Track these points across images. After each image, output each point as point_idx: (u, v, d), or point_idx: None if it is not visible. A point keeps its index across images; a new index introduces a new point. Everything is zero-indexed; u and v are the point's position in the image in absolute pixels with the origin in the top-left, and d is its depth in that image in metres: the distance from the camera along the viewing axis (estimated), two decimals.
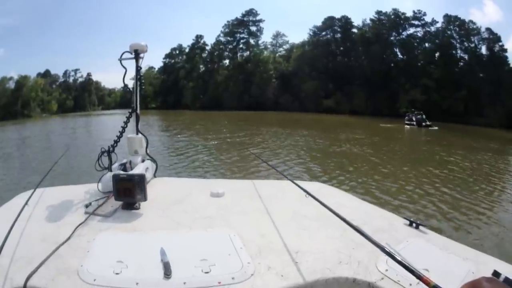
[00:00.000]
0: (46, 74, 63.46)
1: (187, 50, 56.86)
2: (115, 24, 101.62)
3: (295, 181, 1.77)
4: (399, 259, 0.86)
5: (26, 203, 1.55)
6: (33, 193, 1.75)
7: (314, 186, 1.74)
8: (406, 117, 25.71)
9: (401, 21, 38.14)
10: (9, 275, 1.08)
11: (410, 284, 0.96)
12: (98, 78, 77.08)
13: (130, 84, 2.20)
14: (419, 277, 0.78)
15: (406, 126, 24.53)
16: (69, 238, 1.31)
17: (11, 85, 56.72)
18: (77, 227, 1.40)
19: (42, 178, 1.97)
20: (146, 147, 2.18)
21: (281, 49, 51.17)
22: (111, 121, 37.64)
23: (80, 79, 69.19)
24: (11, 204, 1.72)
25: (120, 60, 2.05)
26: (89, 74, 69.63)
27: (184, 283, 1.00)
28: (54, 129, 31.49)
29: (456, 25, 34.86)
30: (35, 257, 1.16)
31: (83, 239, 1.32)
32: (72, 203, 1.75)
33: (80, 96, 66.55)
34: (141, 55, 2.08)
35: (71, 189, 2.01)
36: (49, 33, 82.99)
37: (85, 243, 1.28)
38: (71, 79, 68.38)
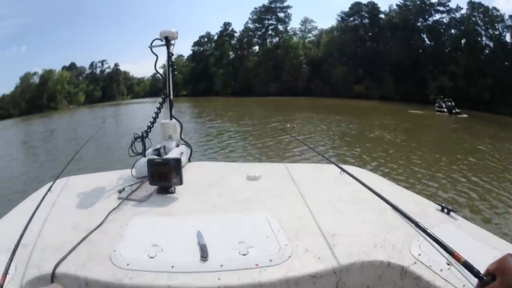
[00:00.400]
0: (71, 67, 65.60)
1: (215, 37, 58.60)
2: (139, 14, 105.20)
3: (330, 163, 1.88)
4: (437, 238, 0.94)
5: (49, 189, 1.70)
6: (55, 180, 1.84)
7: (349, 170, 1.76)
8: (437, 104, 26.45)
9: (427, 7, 39.29)
10: (37, 263, 1.12)
11: (441, 270, 1.00)
12: (125, 68, 79.20)
13: (161, 71, 2.26)
14: (451, 253, 0.87)
15: (437, 113, 25.05)
16: (101, 223, 1.37)
17: (36, 80, 58.60)
18: (110, 212, 1.47)
19: (67, 164, 2.06)
20: (181, 132, 2.29)
21: (310, 35, 53.22)
22: (142, 109, 39.43)
23: (108, 70, 70.73)
24: (39, 193, 1.74)
25: (151, 47, 2.16)
26: (116, 65, 71.34)
27: (221, 265, 1.05)
28: (83, 120, 32.55)
29: (480, 11, 35.97)
30: (64, 244, 1.21)
31: (116, 224, 1.38)
32: (104, 189, 1.81)
33: (108, 87, 68.15)
34: (172, 41, 2.17)
35: (103, 176, 2.09)
36: (72, 27, 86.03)
37: (118, 228, 1.34)
38: (98, 71, 70.04)
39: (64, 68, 63.33)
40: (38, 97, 55.74)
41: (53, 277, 1.07)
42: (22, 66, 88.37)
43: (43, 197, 1.53)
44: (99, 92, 66.95)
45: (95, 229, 1.32)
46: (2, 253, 1.09)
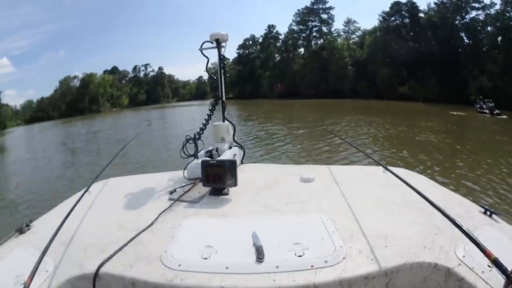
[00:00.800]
0: (113, 70, 71.58)
1: (260, 40, 63.15)
2: (182, 18, 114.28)
3: (379, 165, 1.96)
4: (479, 243, 0.95)
5: (87, 190, 1.75)
6: (94, 180, 1.93)
7: (400, 172, 1.81)
8: (478, 105, 27.30)
9: (463, 4, 41.60)
10: (79, 262, 1.19)
11: (483, 272, 1.07)
12: (170, 72, 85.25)
13: (207, 74, 2.41)
14: (483, 250, 0.91)
15: (478, 114, 26.00)
16: (151, 224, 1.45)
17: (76, 83, 64.84)
18: (161, 213, 1.55)
19: (108, 163, 2.17)
20: (233, 134, 2.44)
21: (353, 36, 56.81)
22: (188, 112, 42.89)
23: (152, 73, 76.85)
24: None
25: (201, 50, 2.32)
26: (160, 68, 77.87)
27: (277, 266, 1.10)
28: (127, 122, 34.74)
29: None
30: (110, 245, 1.28)
31: (167, 225, 1.46)
32: (154, 190, 1.92)
33: (153, 90, 74.05)
34: (223, 44, 2.33)
35: (152, 177, 2.24)
36: (112, 32, 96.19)
37: (170, 229, 1.41)
38: (141, 74, 76.19)
39: (106, 72, 69.33)
40: (79, 100, 61.56)
41: (96, 276, 1.12)
42: (60, 70, 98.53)
43: (81, 197, 1.60)
44: (143, 95, 72.51)
45: (144, 230, 1.39)
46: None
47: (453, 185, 7.94)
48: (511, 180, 8.52)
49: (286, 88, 55.09)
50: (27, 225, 1.56)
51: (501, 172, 9.23)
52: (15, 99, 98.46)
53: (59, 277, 1.13)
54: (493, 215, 1.51)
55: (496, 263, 0.88)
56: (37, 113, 61.79)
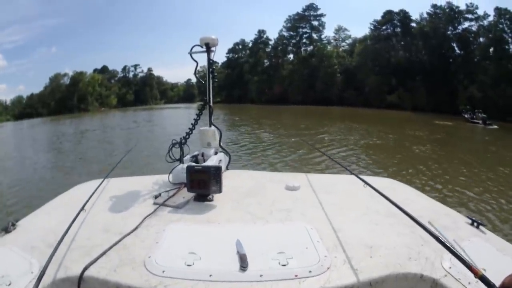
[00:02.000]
0: (103, 70, 71.58)
1: (250, 45, 63.42)
2: (173, 21, 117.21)
3: (368, 176, 1.96)
4: (463, 257, 0.96)
5: (94, 192, 1.73)
6: (101, 183, 1.94)
7: (385, 182, 1.87)
8: (467, 115, 27.93)
9: (456, 15, 41.87)
10: (64, 264, 1.18)
11: (469, 283, 1.07)
12: (159, 73, 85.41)
13: (195, 78, 2.40)
14: (469, 267, 0.91)
15: (469, 123, 26.45)
16: (136, 228, 1.44)
17: (66, 81, 64.05)
18: (146, 217, 1.54)
19: (110, 171, 2.19)
20: (220, 140, 2.43)
21: (343, 43, 57.24)
22: (176, 114, 42.57)
23: (141, 74, 77.18)
24: (71, 194, 1.87)
25: (191, 53, 2.31)
26: (149, 69, 78.22)
27: (261, 275, 1.09)
28: (115, 123, 34.28)
29: (507, 18, 37.90)
30: (95, 248, 1.27)
31: (152, 230, 1.45)
32: (139, 193, 1.91)
33: (142, 91, 74.19)
34: (212, 48, 2.32)
35: (138, 180, 2.22)
36: (104, 31, 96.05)
37: (154, 234, 1.40)
38: (130, 75, 76.32)
39: (96, 70, 69.22)
40: (68, 98, 60.89)
41: (80, 280, 1.11)
42: (51, 67, 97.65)
43: (88, 199, 1.59)
44: (132, 95, 72.51)
45: (129, 234, 1.39)
46: (26, 251, 1.17)
47: (442, 195, 7.94)
48: (495, 189, 8.60)
49: (276, 93, 54.91)
50: (13, 225, 1.54)
51: (490, 183, 9.28)
52: (5, 94, 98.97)
53: (44, 279, 1.08)
54: (480, 226, 1.51)
55: (483, 279, 0.87)
56: (26, 109, 61.03)
